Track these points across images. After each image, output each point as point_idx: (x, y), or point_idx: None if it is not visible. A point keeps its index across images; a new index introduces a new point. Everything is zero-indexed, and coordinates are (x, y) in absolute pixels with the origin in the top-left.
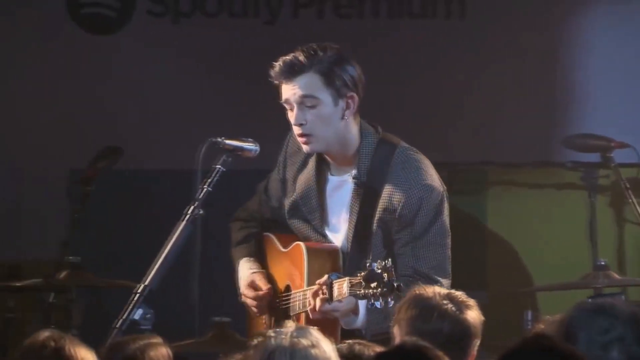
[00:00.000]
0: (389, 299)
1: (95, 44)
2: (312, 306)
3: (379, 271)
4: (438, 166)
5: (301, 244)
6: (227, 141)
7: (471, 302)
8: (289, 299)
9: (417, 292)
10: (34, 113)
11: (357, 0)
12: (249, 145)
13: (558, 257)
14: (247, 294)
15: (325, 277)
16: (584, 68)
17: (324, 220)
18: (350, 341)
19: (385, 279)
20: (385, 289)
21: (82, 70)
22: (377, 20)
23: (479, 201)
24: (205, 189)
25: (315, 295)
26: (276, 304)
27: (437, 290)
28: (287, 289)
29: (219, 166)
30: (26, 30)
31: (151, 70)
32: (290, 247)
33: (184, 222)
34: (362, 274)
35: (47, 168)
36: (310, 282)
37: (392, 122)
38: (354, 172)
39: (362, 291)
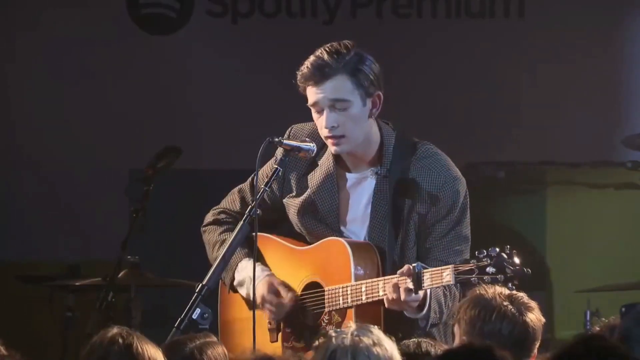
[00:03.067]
0: (511, 285)
1: (155, 44)
2: (393, 297)
3: (506, 257)
4: (497, 165)
5: (339, 239)
6: (285, 141)
7: (533, 304)
8: (322, 296)
9: (479, 292)
10: (94, 114)
11: None
12: (306, 145)
13: (618, 257)
14: (268, 299)
15: (407, 267)
16: None
17: (340, 217)
18: (416, 339)
19: (511, 265)
20: (510, 275)
21: (142, 70)
22: (435, 19)
23: (538, 201)
24: (263, 189)
25: (396, 286)
26: (296, 306)
27: (498, 291)
28: (312, 286)
29: (277, 166)
30: (87, 32)
31: (210, 70)
32: (318, 243)
33: (242, 222)
34: (481, 260)
35: (106, 168)
36: (358, 272)
37: (450, 121)
38: (376, 167)
39: (474, 277)
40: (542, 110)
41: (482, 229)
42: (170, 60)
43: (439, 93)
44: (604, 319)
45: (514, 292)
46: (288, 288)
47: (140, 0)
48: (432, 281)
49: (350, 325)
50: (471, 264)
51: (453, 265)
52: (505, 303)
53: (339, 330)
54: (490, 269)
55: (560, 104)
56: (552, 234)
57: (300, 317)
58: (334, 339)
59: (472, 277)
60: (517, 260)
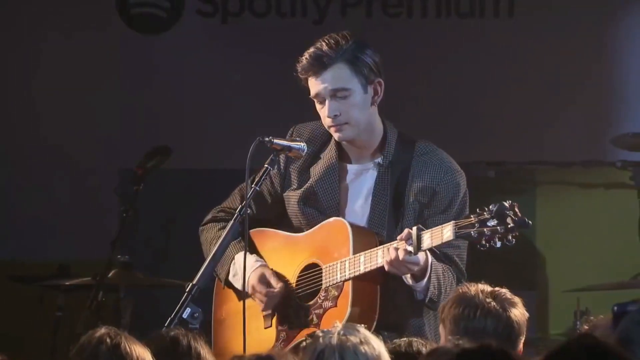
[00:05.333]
0: (510, 237)
1: (145, 44)
2: (392, 258)
3: (507, 206)
4: (487, 165)
5: (339, 218)
6: (276, 140)
7: (516, 299)
8: (319, 274)
9: (461, 290)
10: (84, 113)
11: None
12: (297, 145)
13: (608, 257)
14: (258, 289)
15: (407, 230)
16: (634, 67)
17: (340, 209)
18: (407, 338)
19: (513, 215)
20: (511, 225)
21: (131, 69)
22: (425, 19)
23: (528, 201)
24: (254, 189)
25: (395, 248)
26: (290, 290)
27: (480, 288)
28: (310, 267)
29: (267, 165)
30: (76, 30)
31: (200, 69)
32: (316, 227)
33: (232, 222)
34: (485, 211)
35: (96, 167)
36: (357, 251)
37: (440, 120)
38: (378, 159)
39: (474, 231)
40: (532, 110)
41: None
42: (160, 60)
43: (428, 92)
44: (592, 317)
45: (497, 288)
46: (279, 278)
47: (130, 0)
48: (432, 240)
49: (337, 324)
50: (471, 219)
51: (454, 222)
52: (488, 300)
53: (325, 330)
54: (491, 222)
55: (549, 103)
56: (541, 233)
57: (294, 300)
58: (321, 339)
59: (472, 231)
60: (518, 211)
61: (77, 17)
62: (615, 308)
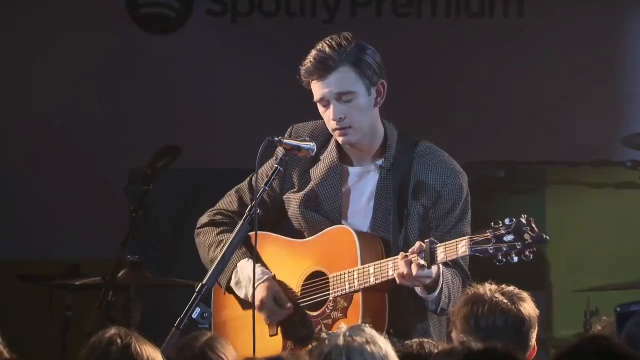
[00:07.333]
0: (528, 253)
1: (154, 44)
2: (404, 272)
3: (524, 222)
4: (496, 165)
5: (344, 226)
6: (285, 140)
7: (524, 294)
8: (325, 283)
9: (468, 292)
10: (93, 113)
11: None
12: (306, 144)
13: (617, 256)
14: (265, 307)
15: (419, 243)
16: None
17: (342, 211)
18: (418, 339)
19: (530, 231)
20: (529, 241)
21: (141, 69)
22: (435, 19)
23: (538, 200)
24: (263, 189)
25: (408, 262)
26: (295, 298)
27: (487, 287)
28: (315, 275)
29: (277, 165)
30: (85, 31)
31: (209, 69)
32: (321, 233)
33: (242, 222)
34: (500, 226)
35: (106, 167)
36: (364, 260)
37: (449, 120)
38: (380, 161)
39: (491, 247)
40: (541, 110)
41: (481, 228)
42: (169, 60)
43: (438, 92)
44: (604, 317)
45: (504, 285)
46: (286, 292)
47: (140, 0)
48: (446, 254)
49: (342, 326)
50: (487, 234)
51: (468, 237)
52: (496, 295)
53: (331, 332)
54: (508, 237)
55: (559, 103)
56: (551, 233)
57: (300, 309)
58: (327, 341)
59: (489, 247)
60: (534, 226)
61: (86, 17)
62: (618, 309)
